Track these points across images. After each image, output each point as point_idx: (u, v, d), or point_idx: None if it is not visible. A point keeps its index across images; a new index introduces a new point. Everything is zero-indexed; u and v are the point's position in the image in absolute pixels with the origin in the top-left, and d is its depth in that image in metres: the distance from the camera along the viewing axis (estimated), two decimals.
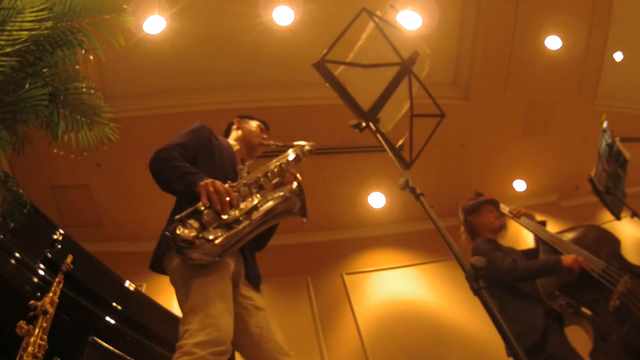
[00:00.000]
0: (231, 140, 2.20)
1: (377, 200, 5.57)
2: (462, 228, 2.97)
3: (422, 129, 1.81)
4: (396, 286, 5.23)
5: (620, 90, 5.40)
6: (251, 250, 1.88)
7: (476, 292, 1.07)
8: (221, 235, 1.52)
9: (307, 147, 2.07)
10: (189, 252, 1.48)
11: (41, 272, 2.14)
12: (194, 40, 4.20)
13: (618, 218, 2.80)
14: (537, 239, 2.81)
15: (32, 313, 1.67)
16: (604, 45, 4.91)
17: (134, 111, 4.42)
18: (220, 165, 1.88)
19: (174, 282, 1.66)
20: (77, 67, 2.06)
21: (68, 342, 1.96)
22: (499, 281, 2.53)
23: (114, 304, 2.49)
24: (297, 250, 5.18)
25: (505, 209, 2.95)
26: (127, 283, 2.82)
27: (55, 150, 2.09)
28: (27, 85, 1.81)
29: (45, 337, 1.64)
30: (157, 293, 4.43)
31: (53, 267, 2.14)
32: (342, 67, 1.78)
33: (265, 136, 2.23)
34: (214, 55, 4.42)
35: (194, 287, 1.53)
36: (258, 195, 1.68)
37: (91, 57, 2.11)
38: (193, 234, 1.47)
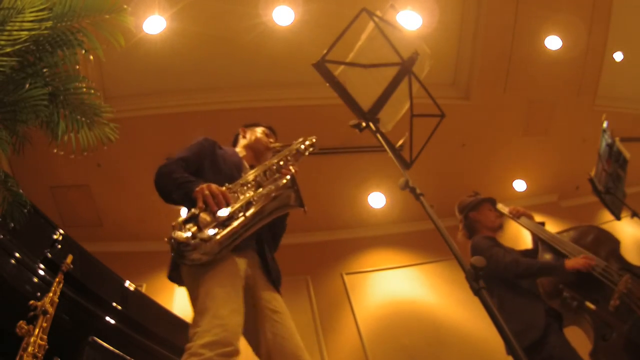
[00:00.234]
0: (238, 148, 2.24)
1: (377, 200, 5.57)
2: (460, 225, 2.97)
3: (422, 129, 1.81)
4: (396, 286, 5.23)
5: (620, 90, 5.40)
6: (270, 250, 1.89)
7: (476, 292, 1.07)
8: (218, 233, 1.53)
9: (307, 143, 2.09)
10: (189, 254, 1.50)
11: (41, 272, 2.14)
12: (194, 40, 4.20)
13: (618, 218, 2.80)
14: (537, 238, 2.82)
15: (32, 313, 1.67)
16: (604, 45, 4.91)
17: (134, 111, 4.42)
18: (226, 171, 1.90)
19: (187, 288, 1.69)
20: (77, 67, 2.06)
21: (68, 342, 1.96)
22: (499, 277, 2.53)
23: (114, 304, 2.49)
24: (297, 250, 5.17)
25: (504, 209, 2.95)
26: (127, 283, 2.82)
27: (55, 150, 2.09)
28: (27, 85, 1.81)
29: (45, 337, 1.64)
30: (157, 293, 4.43)
31: (53, 267, 2.15)
32: (342, 67, 1.78)
33: (271, 140, 2.25)
34: (214, 55, 4.42)
35: (202, 290, 1.55)
36: (251, 192, 1.69)
37: (91, 57, 2.11)
38: (189, 235, 1.50)
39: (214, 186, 1.64)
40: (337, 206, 5.42)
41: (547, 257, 2.69)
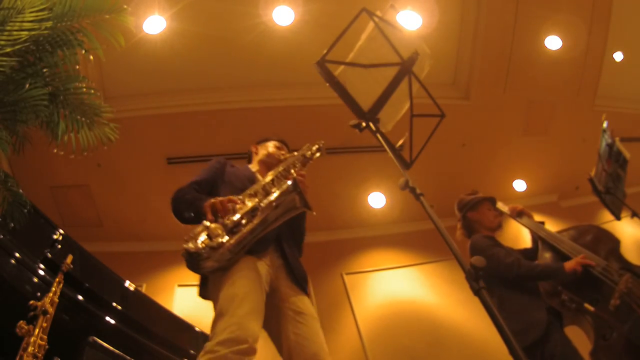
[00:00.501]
0: (253, 164, 2.31)
1: (377, 200, 5.57)
2: (459, 224, 2.96)
3: (422, 129, 1.81)
4: (396, 286, 5.23)
5: (620, 90, 5.40)
6: (293, 253, 1.93)
7: (476, 292, 1.07)
8: (227, 241, 1.59)
9: (314, 148, 2.14)
10: (202, 263, 1.57)
11: (41, 272, 2.14)
12: (194, 40, 4.20)
13: (618, 218, 2.80)
14: (536, 237, 2.81)
15: (32, 313, 1.68)
16: (604, 45, 4.91)
17: (134, 111, 4.42)
18: (239, 186, 1.95)
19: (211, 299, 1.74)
20: (77, 67, 2.06)
21: (68, 342, 1.96)
22: (499, 277, 2.53)
23: (114, 304, 2.49)
24: None
25: (504, 207, 2.94)
26: (127, 283, 2.82)
27: (55, 150, 2.09)
28: (27, 85, 1.81)
29: (45, 337, 1.64)
30: (157, 293, 4.44)
31: (53, 267, 2.15)
32: (342, 67, 1.78)
33: (283, 152, 2.29)
34: (214, 55, 4.42)
35: (219, 295, 1.61)
36: (256, 199, 1.73)
37: (91, 57, 2.11)
38: (201, 246, 1.56)
39: (220, 198, 1.71)
40: (337, 206, 5.41)
41: (547, 256, 2.69)
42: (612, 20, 4.74)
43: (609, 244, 2.63)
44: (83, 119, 2.11)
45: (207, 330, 3.20)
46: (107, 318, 2.39)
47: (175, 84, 4.56)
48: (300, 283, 1.85)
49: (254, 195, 1.78)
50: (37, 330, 1.62)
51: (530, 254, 2.81)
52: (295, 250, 1.98)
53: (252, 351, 1.47)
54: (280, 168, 1.98)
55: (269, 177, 1.90)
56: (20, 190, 1.98)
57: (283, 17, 4.18)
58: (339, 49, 1.74)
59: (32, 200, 2.10)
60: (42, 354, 1.60)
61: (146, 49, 4.05)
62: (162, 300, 3.74)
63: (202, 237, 1.59)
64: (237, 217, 1.64)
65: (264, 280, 1.70)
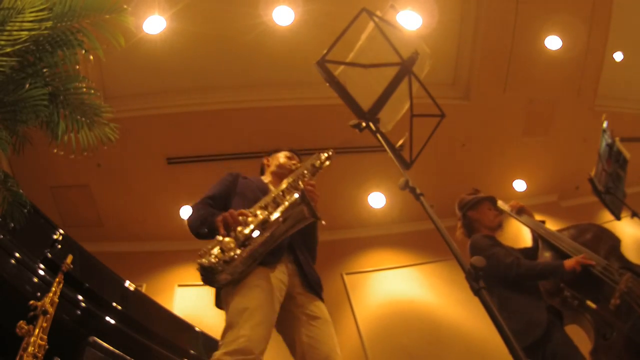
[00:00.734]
0: (265, 175, 2.34)
1: (377, 200, 5.57)
2: (459, 223, 2.96)
3: (422, 129, 1.81)
4: (396, 286, 5.23)
5: (620, 90, 5.40)
6: (306, 259, 1.95)
7: (476, 292, 1.07)
8: (239, 254, 1.61)
9: (323, 157, 2.18)
10: (217, 277, 1.60)
11: (41, 272, 2.14)
12: (194, 40, 4.20)
13: (618, 218, 2.80)
14: (537, 236, 2.81)
15: (32, 313, 1.68)
16: (604, 45, 4.91)
17: (134, 111, 4.42)
18: (251, 197, 1.97)
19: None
20: (77, 67, 2.06)
21: (68, 342, 1.96)
22: (499, 277, 2.53)
23: (114, 304, 2.49)
24: None
25: (504, 205, 2.94)
26: (127, 283, 2.83)
27: (55, 150, 2.09)
28: (27, 85, 1.81)
29: (45, 337, 1.64)
30: (157, 293, 4.44)
31: (53, 267, 2.15)
32: (342, 67, 1.78)
33: (294, 162, 2.31)
34: (214, 55, 4.43)
35: (232, 306, 1.64)
36: (266, 211, 1.75)
37: (91, 57, 2.11)
38: (214, 260, 1.59)
39: (231, 212, 1.74)
40: (337, 206, 5.41)
41: (547, 255, 2.69)
42: (612, 20, 4.74)
43: (610, 242, 2.63)
44: (83, 119, 2.11)
45: (207, 330, 3.21)
46: (107, 318, 2.39)
47: (175, 84, 4.56)
48: (315, 288, 1.88)
49: (265, 207, 1.81)
50: (37, 330, 1.62)
51: (530, 253, 2.81)
52: (308, 256, 2.00)
53: None
54: (290, 179, 1.99)
55: (279, 189, 1.93)
56: (20, 190, 1.99)
57: (283, 17, 4.18)
58: (339, 49, 1.74)
59: (32, 200, 2.10)
60: (42, 354, 1.60)
61: (146, 49, 4.05)
62: (162, 300, 3.74)
63: (215, 251, 1.62)
64: (248, 230, 1.67)
65: (277, 291, 1.72)
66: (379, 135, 1.68)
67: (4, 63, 1.68)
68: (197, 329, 3.13)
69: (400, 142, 1.73)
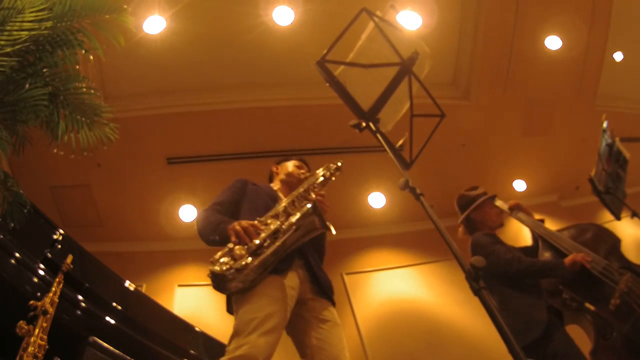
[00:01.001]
0: (274, 183, 2.35)
1: (377, 200, 5.56)
2: (460, 223, 2.96)
3: (422, 129, 1.81)
4: (396, 286, 5.22)
5: (620, 90, 5.40)
6: (317, 263, 1.98)
7: (476, 292, 1.07)
8: (250, 263, 1.63)
9: (333, 167, 2.19)
10: (228, 284, 1.62)
11: (41, 272, 2.14)
12: (194, 40, 4.20)
13: (618, 218, 2.80)
14: (536, 235, 2.81)
15: (32, 313, 1.68)
16: (604, 45, 4.91)
17: (134, 111, 4.42)
18: (261, 204, 2.00)
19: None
20: (77, 67, 2.06)
21: (68, 342, 1.96)
22: (499, 274, 2.53)
23: (114, 304, 2.49)
24: None
25: (504, 205, 2.94)
26: (127, 283, 2.82)
27: (55, 150, 2.09)
28: (27, 85, 1.81)
29: (45, 337, 1.64)
30: (157, 293, 4.44)
31: (53, 267, 2.15)
32: (342, 67, 1.78)
33: (303, 171, 2.32)
34: (214, 55, 4.42)
35: (241, 313, 1.66)
36: (277, 222, 1.77)
37: (91, 57, 2.11)
38: (225, 267, 1.61)
39: (244, 221, 1.76)
40: (337, 206, 5.39)
41: (547, 255, 2.69)
42: (612, 20, 4.74)
43: (610, 242, 2.63)
44: (83, 119, 2.11)
45: (207, 330, 3.21)
46: (107, 318, 2.39)
47: (175, 84, 4.56)
48: (327, 292, 1.91)
49: (276, 217, 1.83)
50: (37, 330, 1.62)
51: (530, 252, 2.81)
52: (319, 260, 2.02)
53: None
54: (301, 189, 2.01)
55: (289, 199, 1.95)
56: (20, 190, 1.98)
57: (283, 17, 4.18)
58: (339, 49, 1.74)
59: (32, 200, 2.10)
60: (42, 354, 1.60)
61: (146, 49, 4.05)
62: (162, 300, 3.74)
63: (226, 259, 1.64)
64: (259, 239, 1.69)
65: (288, 298, 1.73)
66: (379, 135, 1.68)
67: (4, 63, 1.68)
68: (197, 329, 3.13)
69: (400, 142, 1.73)
